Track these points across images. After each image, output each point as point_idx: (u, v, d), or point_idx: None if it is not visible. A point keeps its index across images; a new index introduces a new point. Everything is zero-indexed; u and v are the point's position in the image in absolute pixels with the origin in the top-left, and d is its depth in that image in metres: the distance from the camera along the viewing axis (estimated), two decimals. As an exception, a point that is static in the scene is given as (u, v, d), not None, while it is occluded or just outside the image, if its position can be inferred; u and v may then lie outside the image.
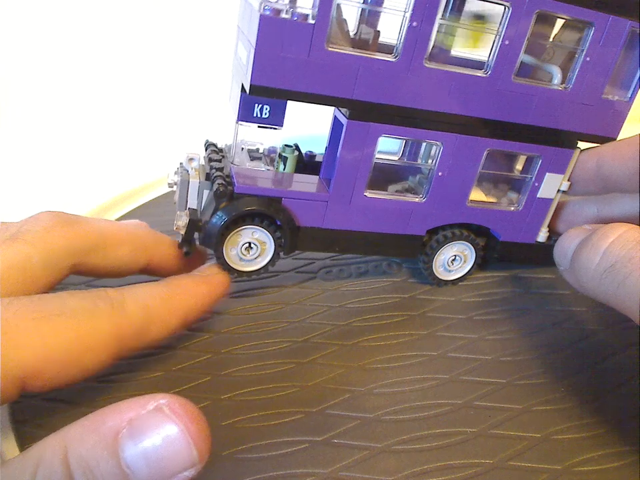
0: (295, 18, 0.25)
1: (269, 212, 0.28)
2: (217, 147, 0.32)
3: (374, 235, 0.31)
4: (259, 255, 0.30)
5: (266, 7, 0.24)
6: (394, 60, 0.27)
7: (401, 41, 0.26)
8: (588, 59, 0.28)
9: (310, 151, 0.34)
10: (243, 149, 0.31)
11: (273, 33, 0.24)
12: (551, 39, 0.31)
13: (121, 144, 0.51)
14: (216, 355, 0.29)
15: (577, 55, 0.28)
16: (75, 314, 0.22)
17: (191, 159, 0.29)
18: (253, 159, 0.31)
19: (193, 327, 0.31)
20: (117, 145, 0.50)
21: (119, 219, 0.41)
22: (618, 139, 0.31)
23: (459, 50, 0.33)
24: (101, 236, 0.26)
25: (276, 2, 0.24)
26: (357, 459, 0.24)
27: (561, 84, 0.29)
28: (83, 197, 0.41)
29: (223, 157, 0.31)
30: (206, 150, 0.32)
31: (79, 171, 0.47)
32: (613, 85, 0.30)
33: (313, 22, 0.25)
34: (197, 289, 0.27)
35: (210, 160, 0.30)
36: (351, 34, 0.30)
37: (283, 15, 0.24)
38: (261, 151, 0.31)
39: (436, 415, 0.26)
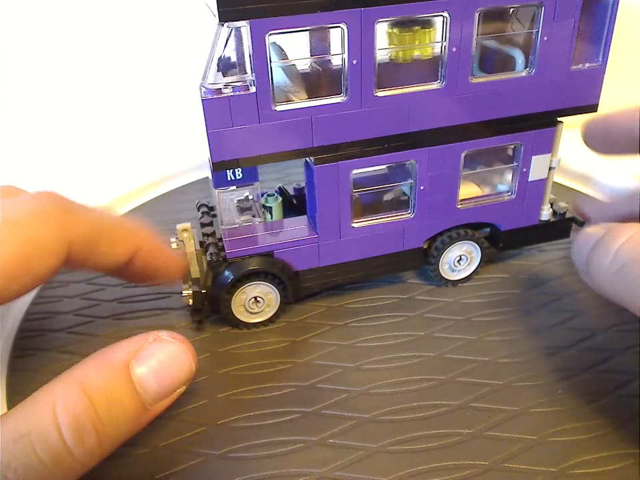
0: (237, 92, 0.25)
1: (264, 268, 0.29)
2: (208, 207, 0.33)
3: (372, 259, 0.32)
4: (267, 305, 0.31)
5: (206, 91, 0.25)
6: (344, 100, 0.27)
7: (346, 79, 0.26)
8: (545, 38, 0.28)
9: (298, 184, 0.34)
10: (232, 200, 0.31)
11: (219, 111, 0.25)
12: (510, 26, 0.30)
13: (121, 144, 0.51)
14: (214, 354, 0.29)
15: (533, 37, 0.28)
16: (20, 220, 0.22)
17: (184, 230, 0.30)
18: (243, 210, 0.31)
19: (191, 325, 0.31)
20: (118, 145, 0.51)
21: None
22: (600, 102, 0.30)
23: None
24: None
25: (212, 83, 0.25)
26: (351, 459, 0.24)
27: (525, 68, 0.29)
28: (83, 197, 0.41)
29: (215, 215, 0.32)
30: (198, 210, 0.33)
31: (78, 171, 0.47)
32: (582, 53, 0.29)
33: (254, 90, 0.25)
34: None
35: (201, 225, 0.31)
36: (307, 67, 0.30)
37: (225, 92, 0.25)
38: (250, 197, 0.31)
39: (432, 415, 0.26)
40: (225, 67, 0.26)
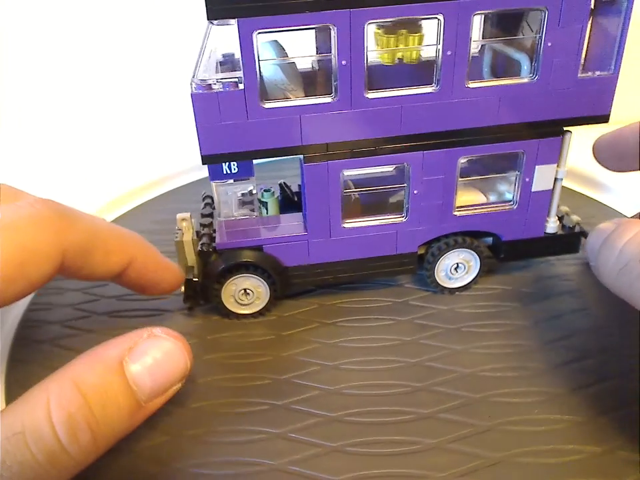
0: (226, 88, 0.26)
1: (253, 261, 0.30)
2: (211, 199, 0.34)
3: (364, 261, 0.31)
4: (257, 298, 0.31)
5: (196, 86, 0.26)
6: (333, 100, 0.26)
7: (336, 79, 0.26)
8: (549, 44, 0.26)
9: None
10: (235, 193, 0.32)
11: (209, 106, 0.26)
12: (520, 30, 0.28)
13: (120, 144, 0.51)
14: (202, 340, 0.31)
15: (536, 43, 0.26)
16: (16, 226, 0.22)
17: (183, 219, 0.31)
18: (244, 203, 0.32)
19: (185, 312, 0.32)
20: (117, 145, 0.51)
21: (118, 218, 0.43)
22: (611, 113, 0.29)
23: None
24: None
25: (203, 79, 0.26)
26: (306, 455, 0.24)
27: (528, 74, 0.27)
28: (82, 197, 0.42)
29: (215, 208, 0.33)
30: (203, 201, 0.34)
31: (78, 171, 0.48)
32: (592, 61, 0.28)
33: (243, 87, 0.25)
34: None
35: (201, 216, 0.32)
36: (308, 66, 0.31)
37: (214, 88, 0.26)
38: (254, 191, 0.32)
39: (398, 421, 0.25)
40: (216, 63, 0.27)
